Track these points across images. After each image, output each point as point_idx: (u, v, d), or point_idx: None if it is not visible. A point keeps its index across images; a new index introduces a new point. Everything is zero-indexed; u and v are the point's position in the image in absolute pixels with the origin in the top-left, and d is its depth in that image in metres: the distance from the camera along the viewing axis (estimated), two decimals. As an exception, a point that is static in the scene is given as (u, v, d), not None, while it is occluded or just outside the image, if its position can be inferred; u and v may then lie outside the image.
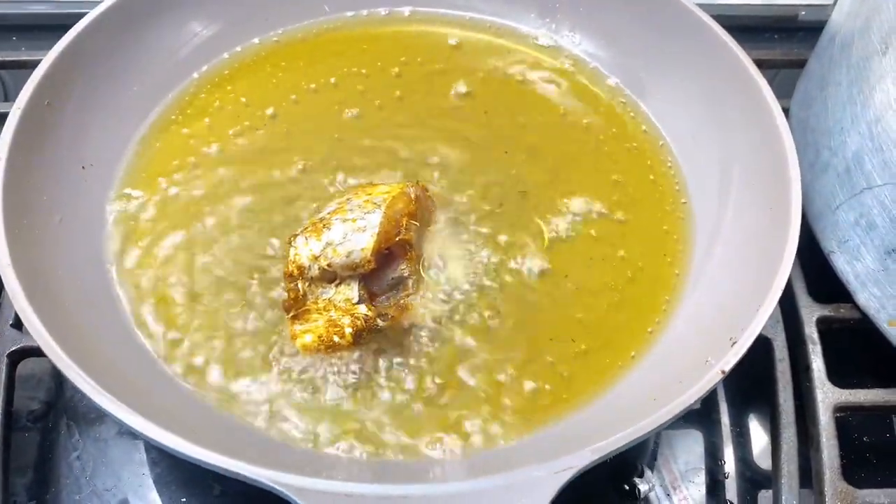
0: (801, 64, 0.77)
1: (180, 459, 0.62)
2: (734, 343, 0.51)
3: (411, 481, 0.45)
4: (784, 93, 0.76)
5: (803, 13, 0.94)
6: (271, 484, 0.44)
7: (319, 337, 0.56)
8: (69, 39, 0.65)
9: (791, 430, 0.60)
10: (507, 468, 0.46)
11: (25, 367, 0.62)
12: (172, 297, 0.61)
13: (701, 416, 0.69)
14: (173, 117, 0.72)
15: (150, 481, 0.62)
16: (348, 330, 0.56)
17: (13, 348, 0.60)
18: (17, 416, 0.63)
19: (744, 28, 0.89)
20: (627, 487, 0.64)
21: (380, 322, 0.58)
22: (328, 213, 0.60)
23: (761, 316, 0.52)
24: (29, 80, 0.62)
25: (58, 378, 0.67)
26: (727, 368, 0.50)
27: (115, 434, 0.64)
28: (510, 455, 0.53)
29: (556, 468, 0.45)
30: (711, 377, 0.49)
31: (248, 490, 0.57)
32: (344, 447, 0.54)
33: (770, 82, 0.89)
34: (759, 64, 0.82)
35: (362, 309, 0.57)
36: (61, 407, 0.65)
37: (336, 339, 0.56)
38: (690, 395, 0.48)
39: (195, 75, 0.74)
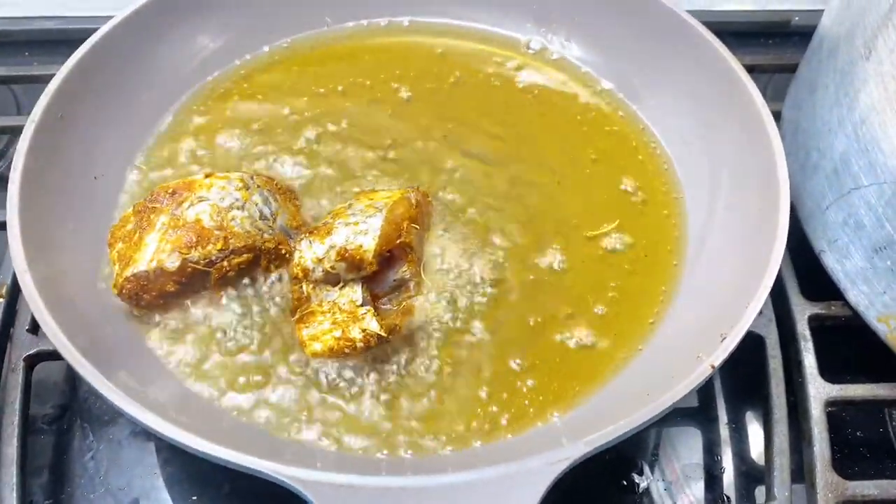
0: (793, 68, 0.78)
1: (190, 459, 0.64)
2: (724, 339, 0.53)
3: (411, 473, 0.46)
4: (778, 97, 0.78)
5: (796, 19, 0.96)
6: (275, 475, 0.45)
7: (330, 349, 0.58)
8: (81, 54, 0.68)
9: (783, 424, 0.61)
10: (504, 461, 0.47)
11: (41, 371, 0.64)
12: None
13: (699, 413, 0.71)
14: (180, 128, 0.74)
15: (162, 481, 0.64)
16: (360, 345, 0.58)
17: (30, 352, 0.62)
18: (34, 419, 0.65)
19: (739, 34, 0.92)
20: (626, 483, 0.66)
21: (389, 338, 0.59)
22: (331, 218, 0.62)
23: (750, 312, 0.53)
24: (43, 94, 0.65)
25: (72, 381, 0.69)
26: (717, 363, 0.51)
27: (128, 435, 0.66)
28: (509, 449, 0.55)
29: (550, 460, 0.46)
30: (701, 372, 0.51)
31: (256, 488, 0.58)
32: (346, 442, 0.56)
33: (764, 86, 0.91)
34: (753, 69, 0.84)
35: (369, 322, 0.58)
36: (76, 409, 0.68)
37: (346, 351, 0.58)
38: (680, 390, 0.50)
39: (202, 87, 0.77)
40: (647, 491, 0.65)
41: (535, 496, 0.45)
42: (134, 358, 0.58)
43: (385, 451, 0.55)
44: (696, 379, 0.50)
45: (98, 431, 0.66)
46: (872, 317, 0.63)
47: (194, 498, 0.63)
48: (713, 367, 0.51)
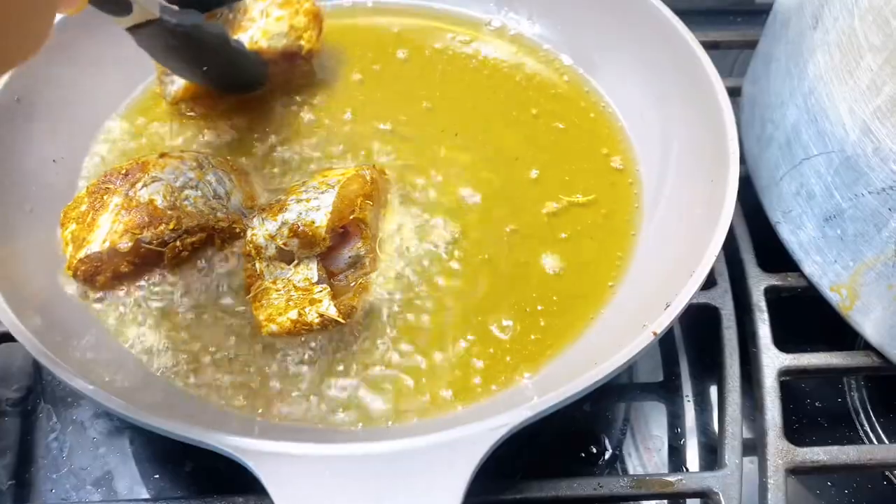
0: (756, 45, 0.79)
1: (153, 439, 0.65)
2: (668, 307, 0.53)
3: (352, 442, 0.47)
4: (745, 73, 0.79)
5: (762, -6, 0.96)
6: (219, 446, 0.46)
7: (287, 331, 0.59)
8: (38, 38, 0.68)
9: (736, 394, 0.62)
10: (448, 428, 0.48)
11: (6, 351, 0.64)
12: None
13: (664, 389, 0.72)
14: (142, 111, 0.75)
15: (126, 459, 0.65)
16: (316, 328, 0.59)
17: (-11, 334, 0.62)
18: (-2, 401, 0.66)
19: (706, 11, 0.92)
20: (584, 455, 0.66)
21: (346, 322, 0.59)
22: (284, 196, 0.63)
23: (694, 281, 0.54)
24: (-1, 77, 0.65)
25: (36, 364, 0.69)
26: (658, 331, 0.51)
27: (91, 416, 0.67)
28: (458, 419, 0.55)
29: (490, 425, 0.47)
30: (643, 339, 0.51)
31: (218, 465, 0.59)
32: (294, 414, 0.56)
33: (732, 63, 0.91)
34: (717, 45, 0.84)
35: (327, 307, 0.58)
36: (39, 392, 0.68)
37: (303, 333, 0.59)
38: (622, 356, 0.50)
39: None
40: (609, 463, 0.66)
41: (474, 461, 0.45)
42: (89, 338, 0.59)
43: (332, 424, 0.56)
44: (638, 346, 0.51)
45: (62, 413, 0.67)
46: (825, 286, 0.64)
47: (157, 476, 0.64)
48: (654, 333, 0.51)
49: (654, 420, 0.70)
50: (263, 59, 0.72)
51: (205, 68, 0.68)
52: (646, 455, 0.68)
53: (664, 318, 0.52)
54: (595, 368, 0.49)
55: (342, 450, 0.46)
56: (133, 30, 0.61)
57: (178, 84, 0.72)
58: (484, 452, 0.46)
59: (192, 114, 0.74)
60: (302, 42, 0.73)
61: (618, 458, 0.67)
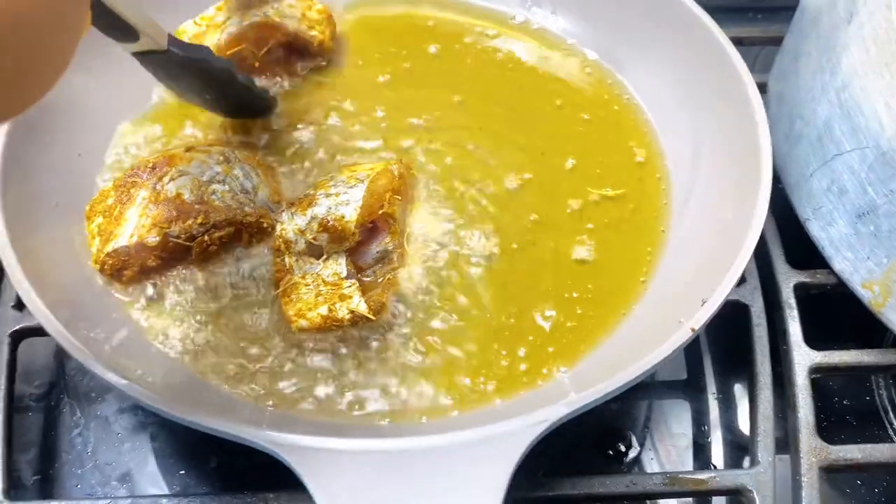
0: (780, 41, 0.78)
1: (178, 434, 0.65)
2: (704, 303, 0.52)
3: (390, 436, 0.46)
4: (767, 70, 0.78)
5: (784, -10, 0.95)
6: (253, 440, 0.45)
7: (318, 327, 0.58)
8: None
9: (768, 391, 0.61)
10: (485, 424, 0.47)
11: (28, 348, 0.64)
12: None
13: (687, 385, 0.71)
14: (166, 105, 0.73)
15: (151, 455, 0.65)
16: (347, 324, 0.58)
17: (15, 328, 0.62)
18: (21, 397, 0.66)
19: (727, 8, 0.91)
20: (612, 453, 0.66)
21: (375, 319, 0.59)
22: (313, 190, 0.62)
23: (731, 276, 0.53)
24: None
25: (59, 358, 0.69)
26: (697, 326, 0.51)
27: (115, 411, 0.67)
28: (496, 414, 0.55)
29: (530, 421, 0.47)
30: (681, 335, 0.51)
31: (243, 461, 0.59)
32: (327, 409, 0.56)
33: (754, 60, 0.91)
34: (741, 41, 0.83)
35: (357, 303, 0.57)
36: (62, 387, 0.68)
37: (333, 328, 0.59)
38: (660, 353, 0.50)
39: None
40: (635, 461, 0.66)
41: (514, 457, 0.45)
42: (117, 332, 0.58)
43: (367, 418, 0.55)
44: (676, 341, 0.50)
45: (85, 408, 0.67)
46: (857, 283, 0.63)
47: (182, 472, 0.64)
48: (693, 329, 0.51)
49: (678, 417, 0.70)
50: (270, 95, 0.72)
51: (208, 97, 0.68)
52: (672, 452, 0.67)
53: (701, 315, 0.52)
54: (634, 364, 0.49)
55: (382, 445, 0.45)
56: (138, 55, 0.60)
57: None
58: (524, 448, 0.46)
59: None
60: (315, 33, 0.73)
61: (643, 455, 0.66)
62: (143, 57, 0.61)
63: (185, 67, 0.62)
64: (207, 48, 0.64)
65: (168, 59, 0.60)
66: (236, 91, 0.67)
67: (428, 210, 0.67)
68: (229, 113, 0.71)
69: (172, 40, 0.60)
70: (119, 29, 0.56)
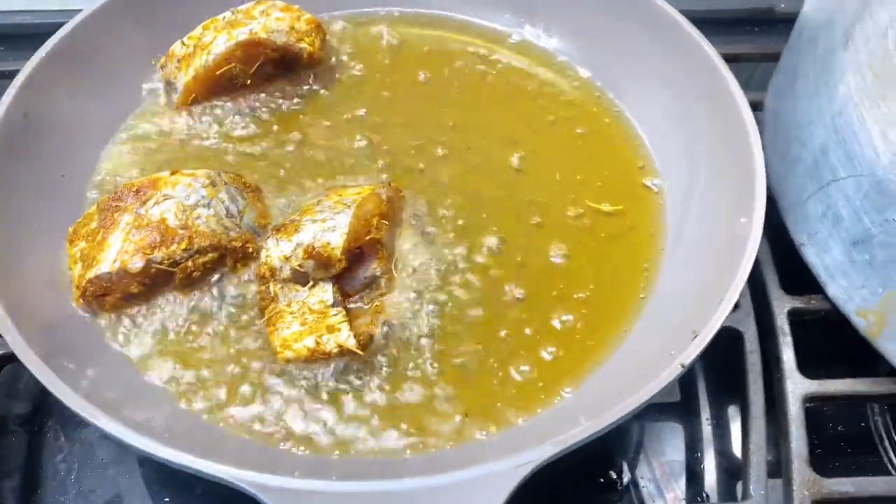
0: (778, 57, 0.77)
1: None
2: (696, 336, 0.52)
3: (374, 478, 0.45)
4: (764, 86, 0.77)
5: (782, 5, 0.94)
6: (232, 480, 0.45)
7: (305, 359, 0.57)
8: (46, 51, 0.67)
9: (760, 421, 0.60)
10: (471, 464, 0.46)
11: (11, 371, 0.63)
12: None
13: (681, 409, 0.70)
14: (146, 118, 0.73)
15: (136, 481, 0.64)
16: (334, 356, 0.57)
17: (-3, 354, 0.60)
18: (4, 420, 0.65)
19: (723, 22, 0.90)
20: (603, 481, 0.65)
21: (360, 353, 0.57)
22: (299, 215, 0.61)
23: (722, 310, 0.52)
24: (6, 93, 0.64)
25: (43, 382, 0.68)
26: (686, 362, 0.50)
27: (99, 436, 0.65)
28: (476, 452, 0.54)
29: (516, 462, 0.46)
30: (671, 371, 0.50)
31: (230, 490, 0.58)
32: (307, 445, 0.55)
33: (750, 75, 0.90)
34: (737, 58, 0.83)
35: (346, 337, 0.56)
36: (47, 410, 0.67)
37: (319, 360, 0.58)
38: (649, 390, 0.49)
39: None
40: (627, 488, 0.65)
41: (500, 498, 0.44)
42: (97, 361, 0.57)
43: (348, 457, 0.54)
44: (665, 379, 0.49)
45: (70, 433, 0.66)
46: (851, 311, 0.62)
47: (167, 500, 0.63)
48: (682, 366, 0.50)
49: (671, 441, 0.69)
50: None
51: None
52: (663, 479, 0.66)
53: (691, 350, 0.51)
54: (624, 401, 0.48)
55: (366, 487, 0.44)
56: None
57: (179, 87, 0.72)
58: (511, 489, 0.45)
59: (206, 118, 0.73)
60: (304, 45, 0.72)
61: (635, 481, 0.65)
62: None
63: None
64: None
65: None
66: None
67: (417, 233, 0.66)
68: None
69: None
70: None
